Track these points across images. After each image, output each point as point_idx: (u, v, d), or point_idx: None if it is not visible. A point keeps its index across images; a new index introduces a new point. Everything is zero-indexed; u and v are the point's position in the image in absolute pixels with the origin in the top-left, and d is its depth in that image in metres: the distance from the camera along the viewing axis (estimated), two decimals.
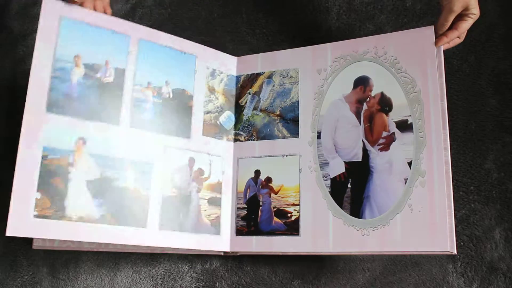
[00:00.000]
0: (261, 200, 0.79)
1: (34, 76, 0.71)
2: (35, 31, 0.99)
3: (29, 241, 0.85)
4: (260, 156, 0.81)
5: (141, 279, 0.81)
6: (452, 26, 0.73)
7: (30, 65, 0.95)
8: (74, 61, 0.74)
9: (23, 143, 0.68)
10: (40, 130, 0.69)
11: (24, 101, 0.93)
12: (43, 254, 0.85)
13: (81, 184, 0.71)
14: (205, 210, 0.79)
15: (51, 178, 0.69)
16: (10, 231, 0.65)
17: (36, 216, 0.67)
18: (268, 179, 0.80)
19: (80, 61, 0.74)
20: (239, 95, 0.85)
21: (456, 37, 0.74)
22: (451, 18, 0.71)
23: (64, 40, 0.73)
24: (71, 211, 0.69)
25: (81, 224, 0.69)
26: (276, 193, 0.79)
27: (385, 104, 0.75)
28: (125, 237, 0.72)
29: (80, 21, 0.75)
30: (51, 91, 0.71)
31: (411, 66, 0.73)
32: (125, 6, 0.98)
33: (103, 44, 0.76)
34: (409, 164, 0.71)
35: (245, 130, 0.84)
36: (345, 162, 0.76)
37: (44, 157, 0.69)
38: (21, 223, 0.66)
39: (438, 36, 0.74)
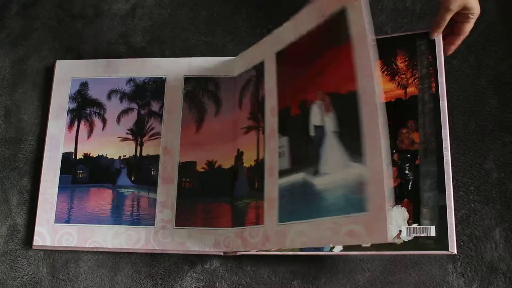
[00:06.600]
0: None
1: None
2: (35, 31, 0.99)
3: (29, 241, 0.85)
4: None
5: (141, 279, 0.81)
6: (454, 30, 0.72)
7: (30, 65, 0.96)
8: None
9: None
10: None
11: (23, 101, 0.93)
12: (43, 254, 0.85)
13: None
14: None
15: None
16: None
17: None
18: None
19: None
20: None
21: (461, 41, 0.73)
22: (448, 17, 0.69)
23: None
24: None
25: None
26: None
27: None
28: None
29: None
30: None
31: None
32: (125, 6, 0.98)
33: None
34: None
35: None
36: None
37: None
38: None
39: (434, 31, 0.73)
